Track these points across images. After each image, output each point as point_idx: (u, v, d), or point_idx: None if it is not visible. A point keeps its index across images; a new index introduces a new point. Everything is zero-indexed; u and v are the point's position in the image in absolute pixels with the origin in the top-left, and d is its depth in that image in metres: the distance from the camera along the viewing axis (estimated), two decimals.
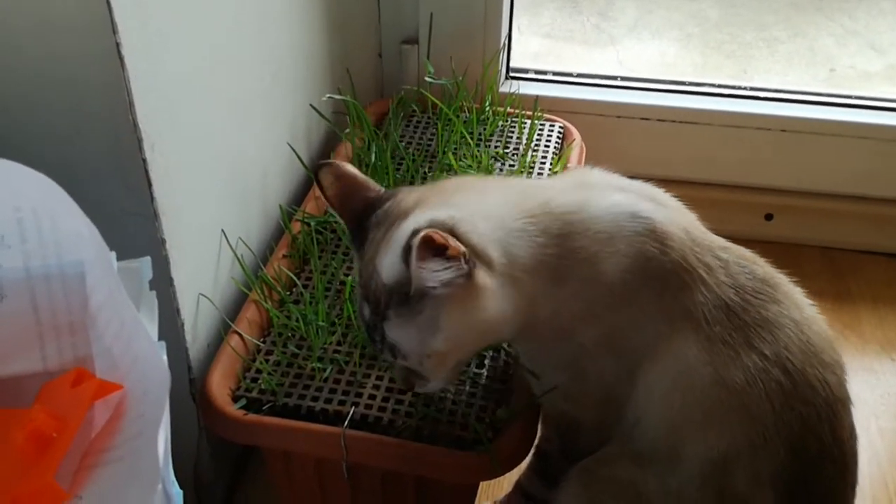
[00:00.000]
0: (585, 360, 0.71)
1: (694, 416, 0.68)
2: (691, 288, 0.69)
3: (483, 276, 0.66)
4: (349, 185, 0.73)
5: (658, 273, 0.69)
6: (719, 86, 1.32)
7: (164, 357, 0.46)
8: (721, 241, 0.74)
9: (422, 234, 0.61)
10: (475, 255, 0.65)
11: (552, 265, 0.68)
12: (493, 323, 0.68)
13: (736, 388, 0.66)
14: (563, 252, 0.69)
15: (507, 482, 0.94)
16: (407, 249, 0.62)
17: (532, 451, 0.81)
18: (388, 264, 0.67)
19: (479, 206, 0.69)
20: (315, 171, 0.74)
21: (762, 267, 0.73)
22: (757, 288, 0.70)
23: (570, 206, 0.70)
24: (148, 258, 0.53)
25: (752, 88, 1.31)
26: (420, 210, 0.68)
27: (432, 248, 0.62)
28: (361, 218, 0.71)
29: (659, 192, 0.76)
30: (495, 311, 0.67)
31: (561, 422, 0.78)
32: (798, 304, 0.71)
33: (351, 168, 0.74)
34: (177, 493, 0.49)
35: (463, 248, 0.64)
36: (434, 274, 0.63)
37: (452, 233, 0.64)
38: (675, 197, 0.77)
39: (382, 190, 0.74)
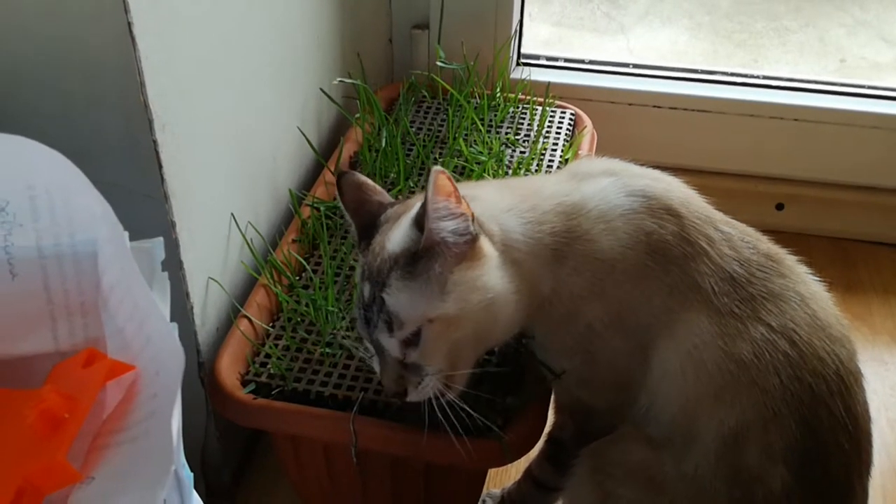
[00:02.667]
0: (596, 343, 0.72)
1: (706, 393, 0.68)
2: (695, 259, 0.69)
3: (487, 244, 0.68)
4: (366, 191, 0.76)
5: (660, 247, 0.69)
6: (731, 74, 1.31)
7: (177, 337, 0.45)
8: (723, 217, 0.74)
9: (437, 169, 0.63)
10: (480, 224, 0.68)
11: (548, 243, 0.70)
12: (497, 296, 0.68)
13: (744, 361, 0.66)
14: (557, 230, 0.70)
15: (515, 470, 0.94)
16: (423, 202, 0.65)
17: (544, 438, 0.81)
18: (396, 236, 0.69)
19: (473, 194, 0.72)
20: (337, 178, 0.77)
21: (766, 244, 0.73)
22: (761, 262, 0.71)
23: (560, 191, 0.73)
24: (160, 239, 0.53)
25: (764, 77, 1.30)
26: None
27: (445, 192, 0.65)
28: (371, 220, 0.74)
29: (655, 172, 0.77)
30: (499, 283, 0.68)
31: (575, 408, 0.77)
32: (803, 279, 0.72)
33: (366, 178, 0.78)
34: (188, 475, 0.49)
35: (470, 210, 0.67)
36: (447, 215, 0.65)
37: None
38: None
39: (392, 199, 0.78)
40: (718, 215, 0.74)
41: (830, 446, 0.66)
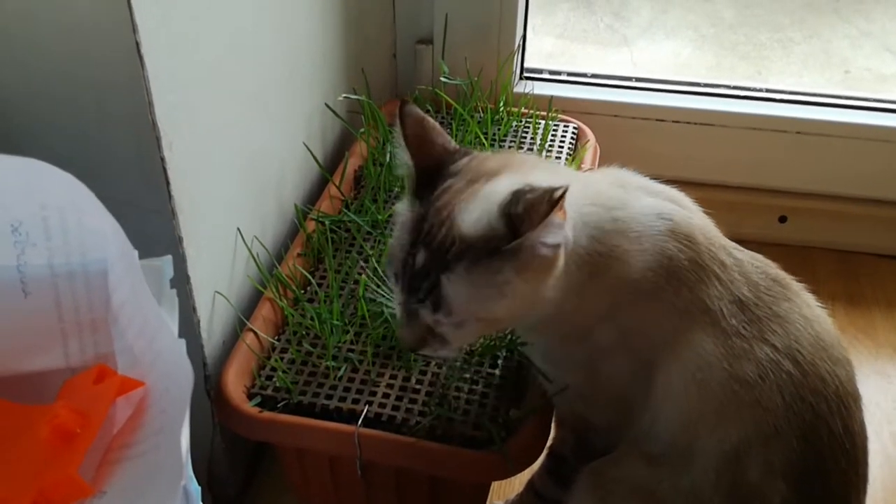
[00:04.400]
0: (601, 359, 0.72)
1: (709, 411, 0.68)
2: (706, 283, 0.70)
3: (562, 254, 0.65)
4: (429, 129, 0.70)
5: (676, 271, 0.70)
6: (734, 87, 1.32)
7: (186, 354, 0.46)
8: (735, 245, 0.76)
9: (557, 192, 0.59)
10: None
11: (592, 261, 0.69)
12: (541, 302, 0.67)
13: (749, 381, 0.67)
14: (604, 249, 0.69)
15: (518, 482, 0.94)
16: (530, 206, 0.60)
17: (545, 451, 0.82)
18: (474, 216, 0.63)
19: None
20: (399, 108, 0.70)
21: (774, 269, 0.75)
22: (769, 286, 0.72)
23: (616, 201, 0.71)
24: (169, 257, 0.54)
25: (767, 90, 1.31)
26: (510, 175, 0.66)
27: (553, 210, 0.60)
28: (433, 163, 0.68)
29: (680, 195, 0.77)
30: (551, 291, 0.66)
31: (575, 423, 0.78)
32: (808, 303, 0.73)
33: (428, 117, 0.71)
34: (195, 489, 0.50)
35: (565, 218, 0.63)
36: (553, 229, 0.61)
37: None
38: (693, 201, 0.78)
39: (457, 146, 0.71)
40: (730, 244, 0.75)
41: (829, 463, 0.67)
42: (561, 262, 0.65)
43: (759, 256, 0.76)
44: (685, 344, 0.69)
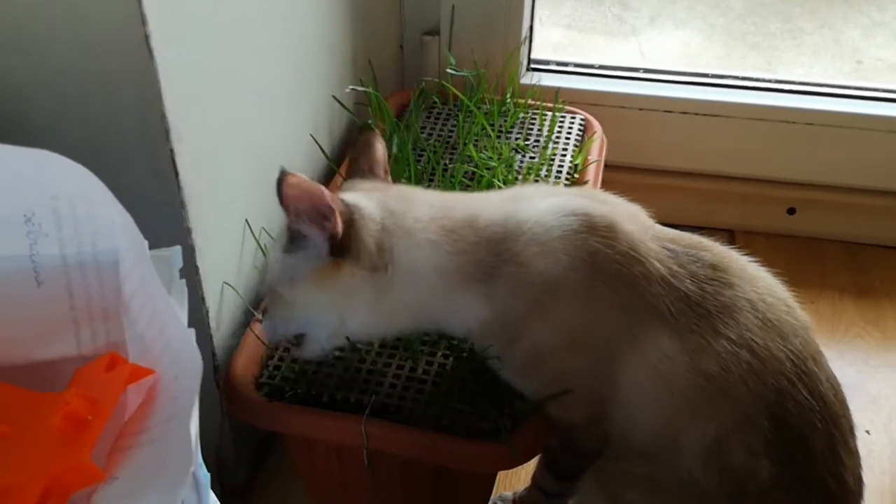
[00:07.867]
0: (553, 364, 0.73)
1: (682, 407, 0.70)
2: (648, 279, 0.70)
3: (351, 271, 0.69)
4: (368, 156, 0.79)
5: (607, 266, 0.69)
6: (743, 78, 1.31)
7: (195, 343, 0.47)
8: (668, 232, 0.75)
9: (296, 174, 0.66)
10: (358, 253, 0.69)
11: (477, 269, 0.70)
12: (354, 315, 0.72)
13: (713, 374, 0.68)
14: (487, 255, 0.70)
15: (524, 472, 0.95)
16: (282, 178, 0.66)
17: None
18: None
19: (401, 215, 0.71)
20: (360, 129, 0.81)
21: (709, 251, 0.74)
22: (710, 275, 0.72)
23: (495, 217, 0.72)
24: (178, 247, 0.54)
25: (776, 81, 1.31)
26: (358, 194, 0.74)
27: (318, 203, 0.67)
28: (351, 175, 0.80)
29: (598, 192, 0.78)
30: (357, 307, 0.71)
31: (557, 424, 0.78)
32: (749, 279, 0.73)
33: (380, 148, 0.80)
34: (205, 475, 0.51)
35: (339, 229, 0.68)
36: (301, 219, 0.68)
37: (351, 221, 0.69)
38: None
39: (384, 176, 0.80)
40: (663, 231, 0.75)
41: (805, 430, 0.69)
42: (348, 281, 0.69)
43: (694, 241, 0.75)
44: (639, 340, 0.70)
